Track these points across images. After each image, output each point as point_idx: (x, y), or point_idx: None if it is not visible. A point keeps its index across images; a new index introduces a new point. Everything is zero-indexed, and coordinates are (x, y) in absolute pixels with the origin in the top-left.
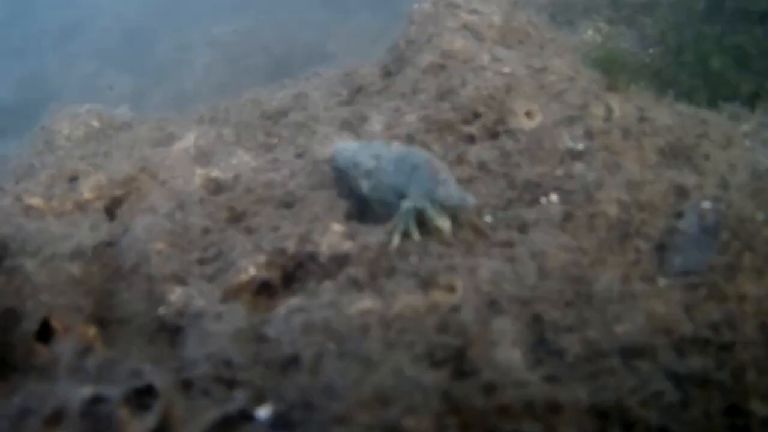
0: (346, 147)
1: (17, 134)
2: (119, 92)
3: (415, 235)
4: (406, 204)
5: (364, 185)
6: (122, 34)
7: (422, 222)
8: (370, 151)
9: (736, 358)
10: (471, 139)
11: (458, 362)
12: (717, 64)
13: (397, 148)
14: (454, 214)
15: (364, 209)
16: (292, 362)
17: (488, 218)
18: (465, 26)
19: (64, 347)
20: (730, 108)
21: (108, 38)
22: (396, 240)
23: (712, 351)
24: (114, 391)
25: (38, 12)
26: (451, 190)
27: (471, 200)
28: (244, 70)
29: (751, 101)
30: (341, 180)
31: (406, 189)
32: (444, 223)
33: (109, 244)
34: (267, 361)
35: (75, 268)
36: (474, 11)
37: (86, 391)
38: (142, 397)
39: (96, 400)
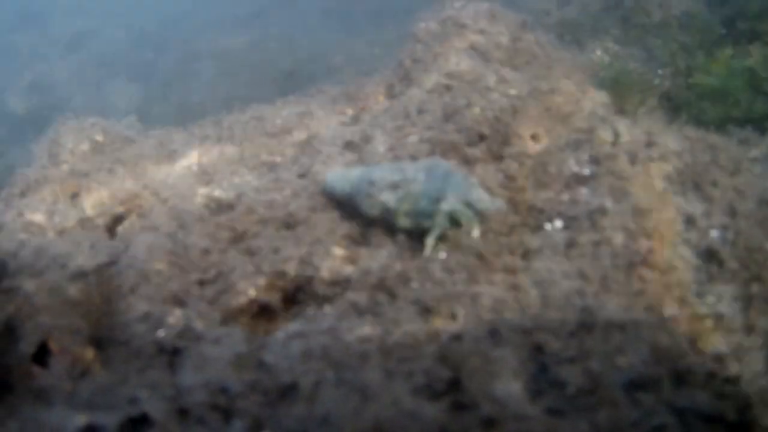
0: (345, 173)
1: (27, 142)
2: (126, 102)
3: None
4: (448, 205)
5: (390, 198)
6: (131, 44)
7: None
8: (385, 166)
9: (741, 392)
10: (476, 161)
11: (457, 394)
12: (727, 85)
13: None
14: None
15: (369, 232)
16: (290, 390)
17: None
18: (472, 46)
19: (61, 370)
20: (740, 132)
21: (117, 48)
22: (430, 244)
23: (717, 384)
24: (109, 420)
25: (48, 20)
26: (482, 193)
27: (501, 204)
28: (250, 82)
29: (762, 123)
30: (344, 205)
31: (442, 193)
32: (476, 228)
33: (110, 263)
34: (265, 389)
35: (74, 289)
36: (481, 31)
37: (80, 419)
38: (137, 425)
39: (90, 428)
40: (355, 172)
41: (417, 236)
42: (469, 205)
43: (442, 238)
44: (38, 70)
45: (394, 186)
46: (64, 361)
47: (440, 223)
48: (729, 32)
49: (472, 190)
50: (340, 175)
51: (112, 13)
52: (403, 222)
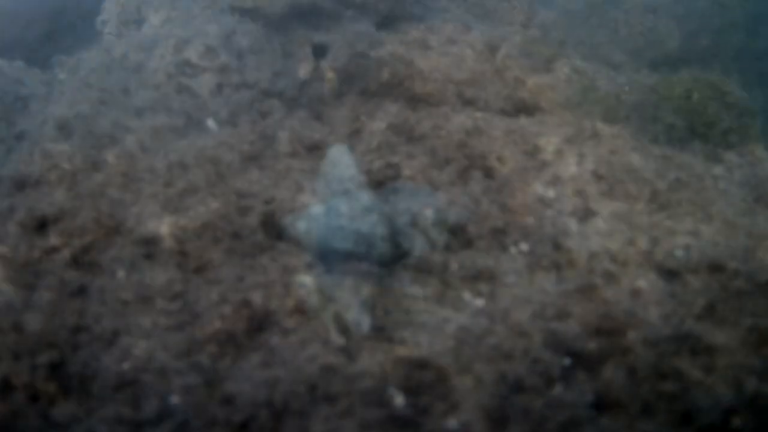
0: (306, 216)
1: None
2: None
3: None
4: (426, 220)
5: (364, 225)
6: None
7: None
8: (345, 197)
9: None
10: (441, 185)
11: (417, 427)
12: (693, 100)
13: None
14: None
15: (336, 259)
16: (250, 422)
17: (455, 266)
18: (437, 69)
19: (23, 406)
20: (706, 148)
21: None
22: (407, 266)
23: (680, 407)
24: None
25: None
26: (448, 207)
27: (466, 214)
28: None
29: (727, 138)
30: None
31: (417, 210)
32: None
33: (75, 294)
34: (225, 421)
35: (38, 321)
36: (446, 53)
37: None
38: None
39: None
40: (315, 210)
41: (386, 262)
42: (442, 218)
43: (408, 264)
44: None
45: (366, 210)
46: (26, 396)
47: (419, 243)
48: (693, 47)
49: (438, 205)
50: (300, 220)
51: None
52: (381, 246)
